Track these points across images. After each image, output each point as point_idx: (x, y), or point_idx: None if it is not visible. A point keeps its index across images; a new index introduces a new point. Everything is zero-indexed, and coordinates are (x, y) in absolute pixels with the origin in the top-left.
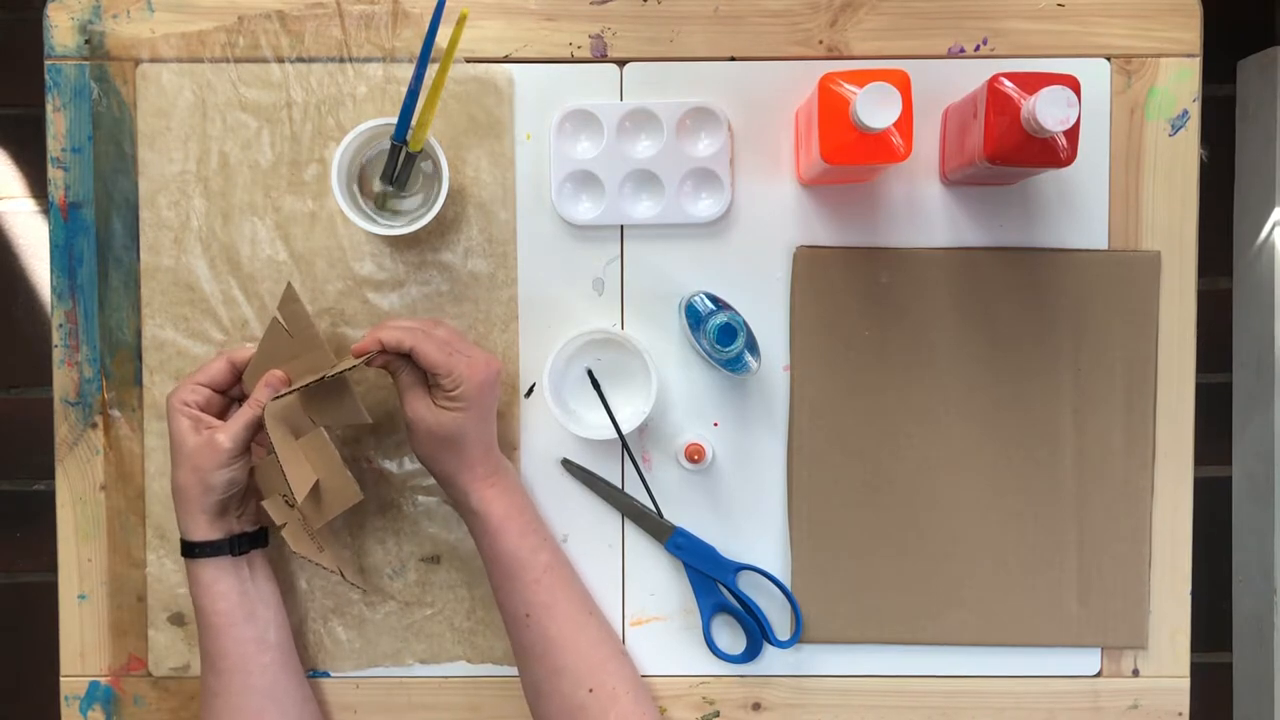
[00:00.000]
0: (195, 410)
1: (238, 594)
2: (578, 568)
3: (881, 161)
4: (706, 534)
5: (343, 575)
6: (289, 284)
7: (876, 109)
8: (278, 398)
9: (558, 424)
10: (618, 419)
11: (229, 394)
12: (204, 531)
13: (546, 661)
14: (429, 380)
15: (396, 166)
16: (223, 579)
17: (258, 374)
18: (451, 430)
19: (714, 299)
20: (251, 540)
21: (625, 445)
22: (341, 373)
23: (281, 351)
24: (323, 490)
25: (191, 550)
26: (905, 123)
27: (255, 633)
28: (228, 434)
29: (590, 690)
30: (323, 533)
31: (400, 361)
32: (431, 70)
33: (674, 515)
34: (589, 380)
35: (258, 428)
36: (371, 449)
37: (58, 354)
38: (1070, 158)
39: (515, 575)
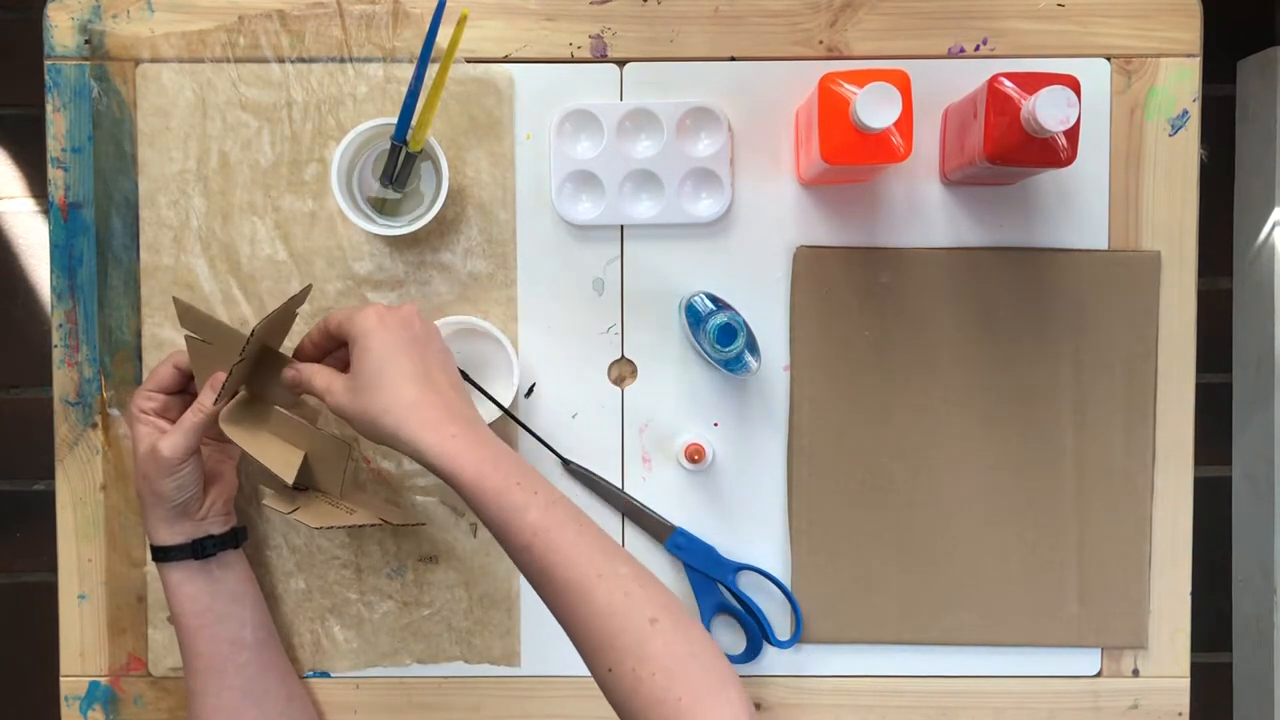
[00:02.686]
0: (152, 416)
1: (208, 595)
2: None
3: (881, 161)
4: (706, 534)
5: (389, 523)
6: (174, 300)
7: (876, 109)
8: (219, 401)
9: (557, 425)
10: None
11: (190, 391)
12: (166, 536)
13: (565, 627)
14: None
15: (396, 166)
16: (190, 581)
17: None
18: (368, 374)
19: (714, 299)
20: (220, 542)
21: (514, 418)
22: (252, 348)
23: (214, 360)
24: (314, 460)
25: (157, 554)
26: (905, 123)
27: (229, 633)
28: (168, 443)
29: (609, 669)
30: (348, 493)
31: (303, 368)
32: (431, 70)
33: (674, 515)
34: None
35: (203, 431)
36: (370, 449)
37: (58, 354)
38: (1070, 158)
39: (505, 542)
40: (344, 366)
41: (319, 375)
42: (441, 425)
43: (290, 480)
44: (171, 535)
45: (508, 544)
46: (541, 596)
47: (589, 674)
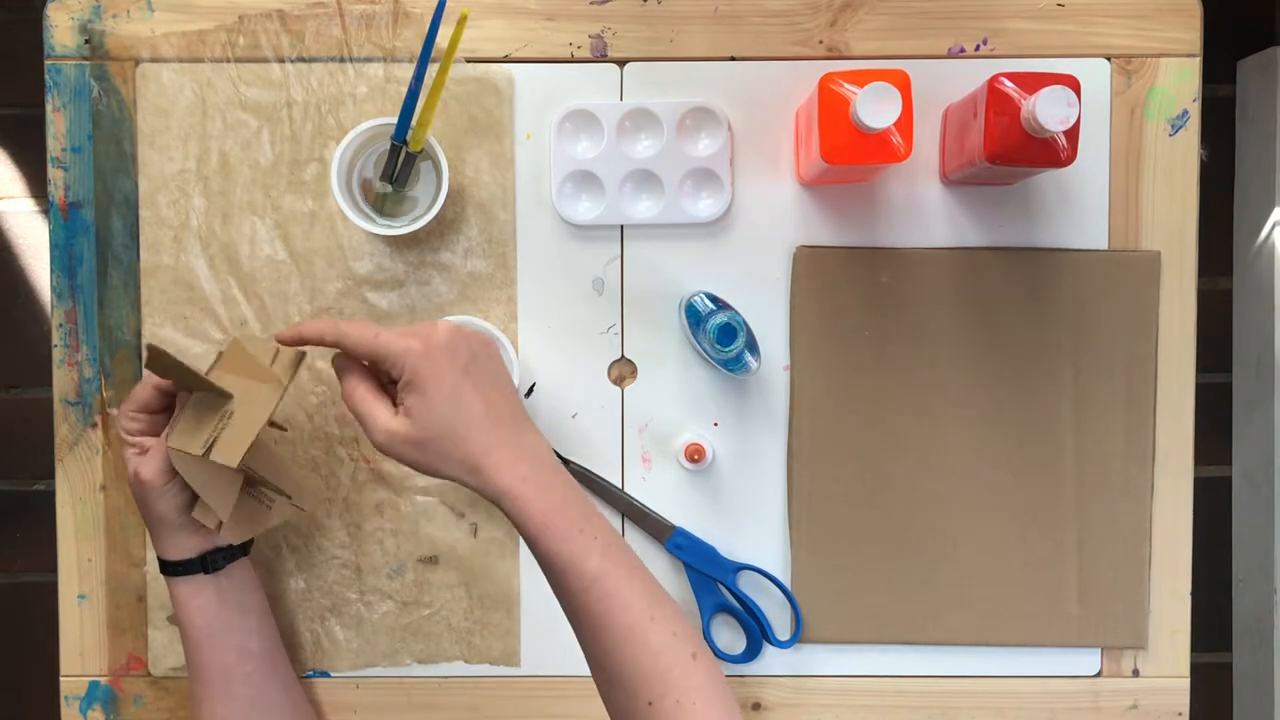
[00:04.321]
0: (136, 437)
1: (215, 606)
2: None
3: (881, 161)
4: (706, 534)
5: (298, 505)
6: (148, 348)
7: (876, 109)
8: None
9: (557, 425)
10: None
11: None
12: (173, 552)
13: (602, 671)
14: (381, 381)
15: (396, 166)
16: (199, 594)
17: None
18: (432, 428)
19: (714, 299)
20: (228, 554)
21: None
22: (207, 386)
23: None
24: (268, 475)
25: (165, 568)
26: (905, 123)
27: (236, 643)
28: (148, 466)
29: (649, 703)
30: (266, 484)
31: (344, 369)
32: (432, 70)
33: (674, 515)
34: None
35: None
36: (369, 450)
37: (58, 354)
38: (1070, 158)
39: (562, 584)
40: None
41: (375, 409)
42: (515, 467)
43: (224, 518)
44: (179, 551)
45: (565, 586)
46: (586, 637)
47: (589, 674)
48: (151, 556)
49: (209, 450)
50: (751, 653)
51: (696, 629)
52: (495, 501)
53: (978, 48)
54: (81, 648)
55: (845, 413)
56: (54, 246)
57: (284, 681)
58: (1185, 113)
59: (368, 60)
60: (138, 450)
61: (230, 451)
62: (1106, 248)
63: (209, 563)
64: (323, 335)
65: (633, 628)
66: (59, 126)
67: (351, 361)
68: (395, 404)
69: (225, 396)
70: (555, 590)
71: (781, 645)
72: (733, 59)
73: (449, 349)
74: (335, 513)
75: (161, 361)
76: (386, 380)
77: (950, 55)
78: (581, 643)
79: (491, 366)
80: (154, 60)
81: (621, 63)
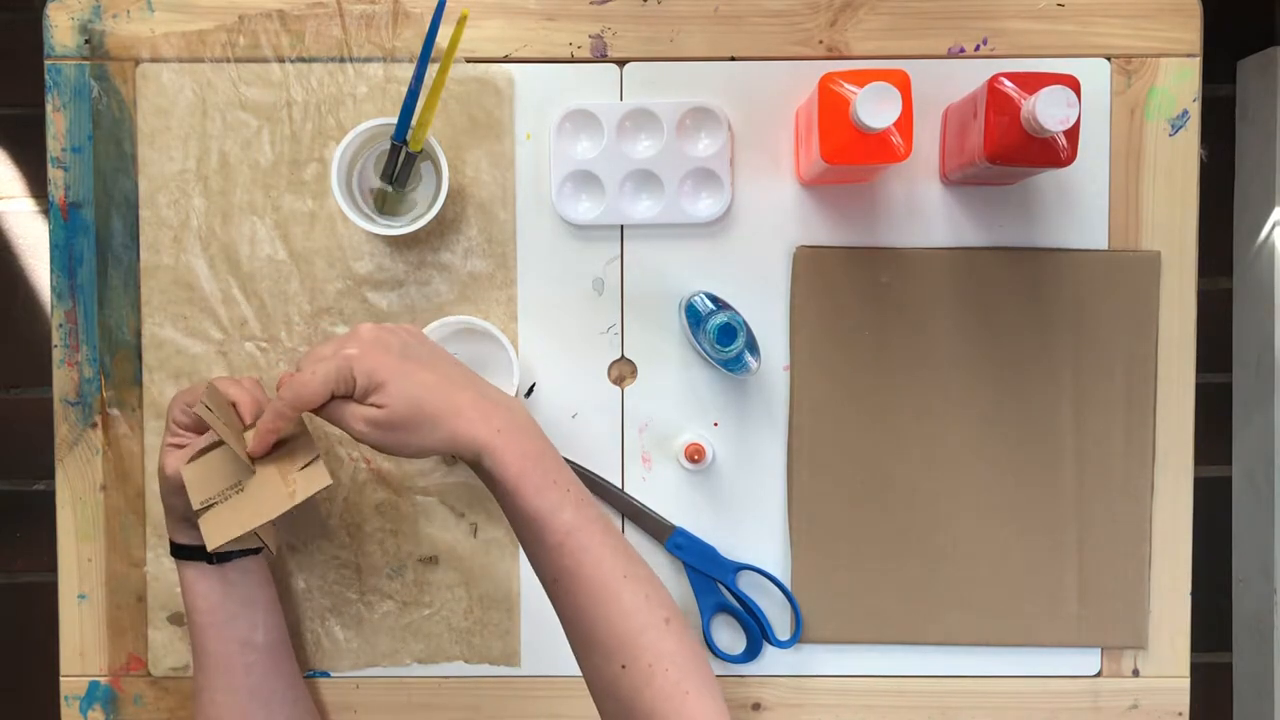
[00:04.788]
0: (181, 433)
1: (219, 595)
2: None
3: (881, 161)
4: (706, 534)
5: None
6: (209, 387)
7: (876, 109)
8: (192, 459)
9: (558, 425)
10: None
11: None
12: (182, 537)
13: (576, 632)
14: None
15: (396, 166)
16: (202, 580)
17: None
18: (402, 409)
19: (714, 299)
20: (242, 550)
21: None
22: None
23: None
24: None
25: (174, 549)
26: (905, 123)
27: (239, 634)
28: (174, 462)
29: (623, 666)
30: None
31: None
32: (431, 70)
33: (674, 515)
34: None
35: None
36: (369, 450)
37: (58, 354)
38: (1070, 158)
39: (536, 539)
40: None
41: (354, 408)
42: (488, 420)
43: (211, 546)
44: (188, 537)
45: (540, 541)
46: (560, 594)
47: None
48: (151, 557)
49: (202, 512)
50: (751, 653)
51: (697, 631)
52: (475, 460)
53: (978, 48)
54: (81, 648)
55: (845, 413)
56: (54, 246)
57: (288, 677)
58: (1185, 113)
59: (368, 60)
60: (176, 444)
61: (215, 533)
62: (1106, 248)
63: (213, 554)
64: (281, 418)
65: (606, 583)
66: (59, 126)
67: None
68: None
69: (249, 470)
70: (528, 545)
71: (781, 645)
72: (733, 59)
73: (378, 343)
74: (335, 513)
75: (212, 406)
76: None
77: (950, 55)
78: (554, 601)
79: (425, 347)
80: (154, 60)
81: (621, 63)
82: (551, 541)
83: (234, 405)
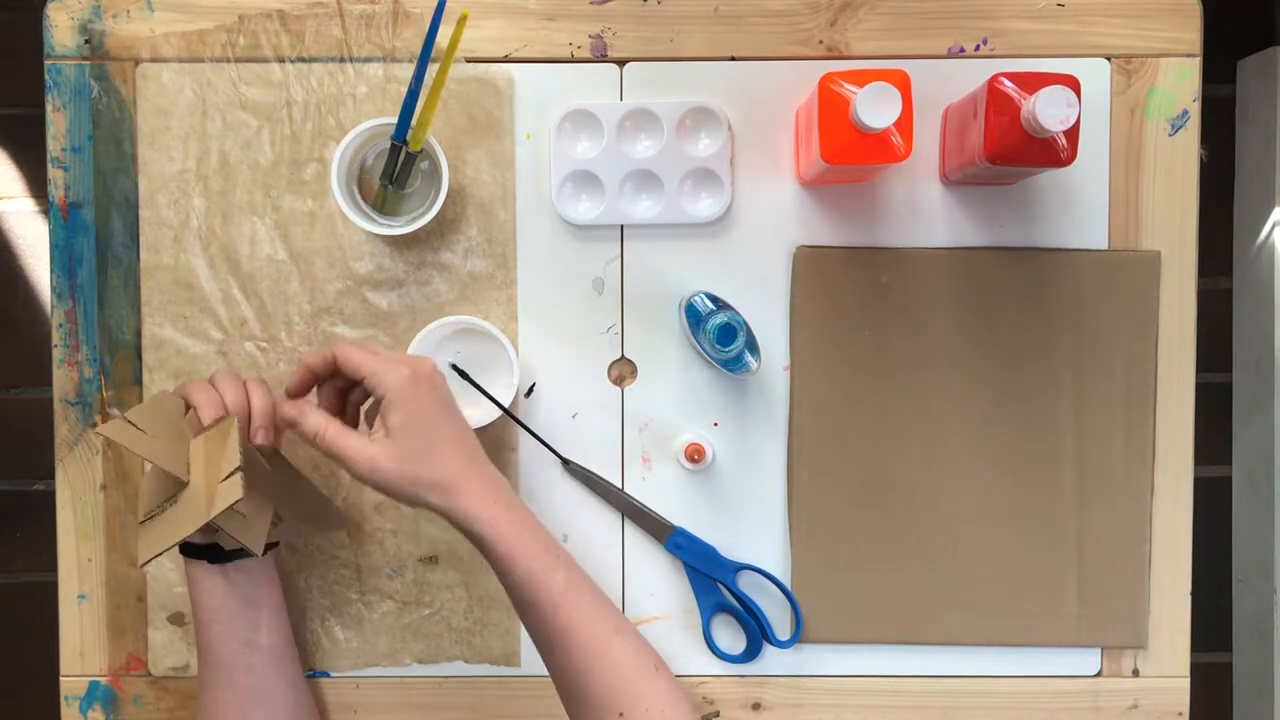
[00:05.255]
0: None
1: (222, 593)
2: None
3: (881, 161)
4: (706, 534)
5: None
6: (104, 435)
7: (876, 109)
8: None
9: (558, 425)
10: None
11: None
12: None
13: (573, 689)
14: (346, 413)
15: (396, 166)
16: (206, 578)
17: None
18: (412, 443)
19: (714, 299)
20: (237, 551)
21: (514, 418)
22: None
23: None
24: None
25: (180, 547)
26: (905, 123)
27: (241, 633)
28: None
29: (620, 715)
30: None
31: (301, 413)
32: (431, 70)
33: (674, 515)
34: (455, 374)
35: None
36: None
37: (58, 354)
38: (1070, 157)
39: (532, 602)
40: (337, 401)
41: (351, 442)
42: (487, 495)
43: (170, 542)
44: (198, 533)
45: (536, 605)
46: (556, 653)
47: None
48: None
49: (145, 523)
50: (751, 653)
51: (697, 631)
52: (466, 525)
53: (978, 48)
54: (81, 648)
55: (845, 412)
56: (54, 246)
57: (289, 678)
58: (1185, 113)
59: (368, 60)
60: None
61: (145, 547)
62: (1106, 248)
63: (214, 553)
64: (325, 359)
65: (599, 640)
66: (59, 126)
67: (306, 405)
68: (370, 430)
69: (181, 483)
70: (524, 611)
71: (781, 645)
72: (733, 59)
73: (432, 382)
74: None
75: (140, 422)
76: (359, 401)
77: (950, 55)
78: (550, 662)
79: (458, 411)
80: (154, 60)
81: (621, 63)
82: (547, 606)
83: (194, 409)
